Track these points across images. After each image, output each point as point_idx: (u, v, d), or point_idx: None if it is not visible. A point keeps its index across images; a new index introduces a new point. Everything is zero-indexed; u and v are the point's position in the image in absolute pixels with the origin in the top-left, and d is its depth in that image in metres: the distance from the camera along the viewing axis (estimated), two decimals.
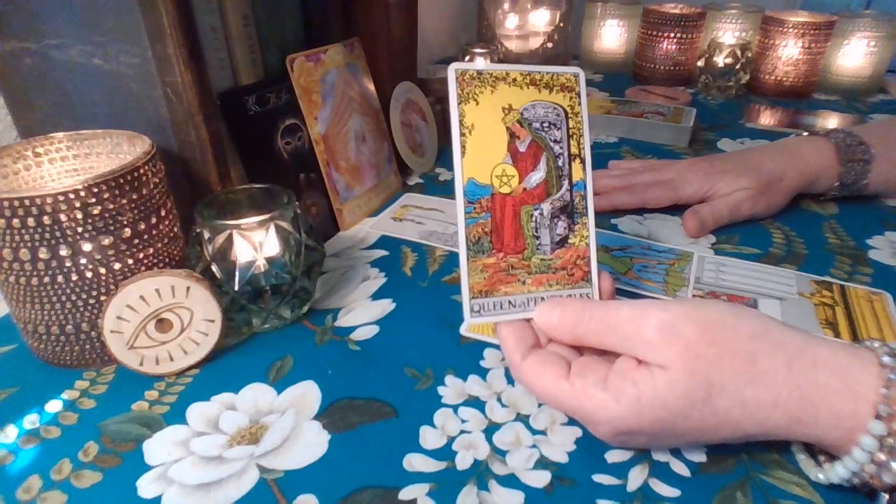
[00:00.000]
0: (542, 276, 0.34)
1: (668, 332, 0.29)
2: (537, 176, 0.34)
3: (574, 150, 0.35)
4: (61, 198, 0.32)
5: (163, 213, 0.38)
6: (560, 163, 0.35)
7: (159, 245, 0.38)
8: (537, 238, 0.34)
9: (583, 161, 0.35)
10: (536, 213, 0.34)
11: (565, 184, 0.35)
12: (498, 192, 0.33)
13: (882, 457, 0.27)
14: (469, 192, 0.33)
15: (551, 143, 0.35)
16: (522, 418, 0.35)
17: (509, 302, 0.34)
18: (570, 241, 0.35)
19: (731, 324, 0.29)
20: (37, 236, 0.33)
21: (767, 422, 0.28)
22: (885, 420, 0.26)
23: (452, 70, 0.33)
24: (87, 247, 0.34)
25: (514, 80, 0.34)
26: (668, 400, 0.28)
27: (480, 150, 0.33)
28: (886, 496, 0.28)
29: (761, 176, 0.56)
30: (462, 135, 0.33)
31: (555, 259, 0.35)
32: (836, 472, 0.29)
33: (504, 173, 0.34)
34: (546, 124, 0.35)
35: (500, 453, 0.32)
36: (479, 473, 0.31)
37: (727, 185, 0.56)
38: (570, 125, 0.35)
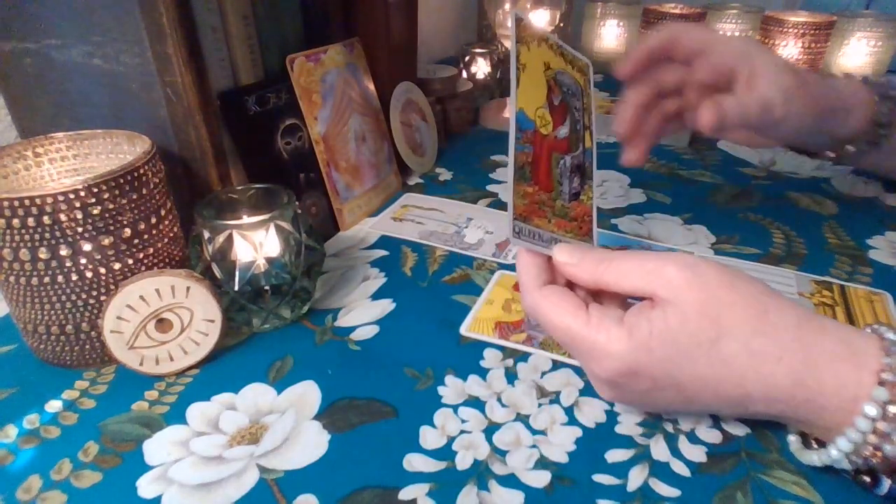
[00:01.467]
0: (562, 222, 0.37)
1: (689, 271, 0.30)
2: (564, 130, 0.38)
3: (587, 122, 0.40)
4: (61, 198, 0.32)
5: (163, 213, 0.38)
6: (578, 127, 0.39)
7: (159, 245, 0.38)
8: (560, 185, 0.38)
9: (591, 133, 0.40)
10: (562, 161, 0.38)
11: (581, 146, 0.39)
12: (539, 131, 0.37)
13: (884, 427, 0.27)
14: (520, 120, 0.36)
15: (573, 109, 0.39)
16: (522, 418, 0.35)
17: (538, 234, 0.36)
18: (580, 197, 0.39)
19: (747, 278, 0.30)
20: (37, 236, 0.33)
21: (771, 379, 0.28)
22: (889, 387, 0.27)
23: (513, 15, 0.36)
24: (87, 247, 0.34)
25: (552, 45, 0.38)
26: (678, 335, 0.29)
27: (529, 89, 0.36)
28: (889, 482, 0.28)
29: (800, 73, 0.46)
30: (518, 69, 0.35)
31: (571, 209, 0.38)
32: (838, 446, 0.28)
33: (544, 116, 0.37)
34: (570, 92, 0.39)
35: (500, 453, 0.32)
36: (479, 473, 0.31)
37: (767, 65, 0.44)
38: (584, 101, 0.40)
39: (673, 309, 0.29)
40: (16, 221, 0.32)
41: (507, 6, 1.05)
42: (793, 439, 0.32)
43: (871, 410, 0.27)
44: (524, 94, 0.36)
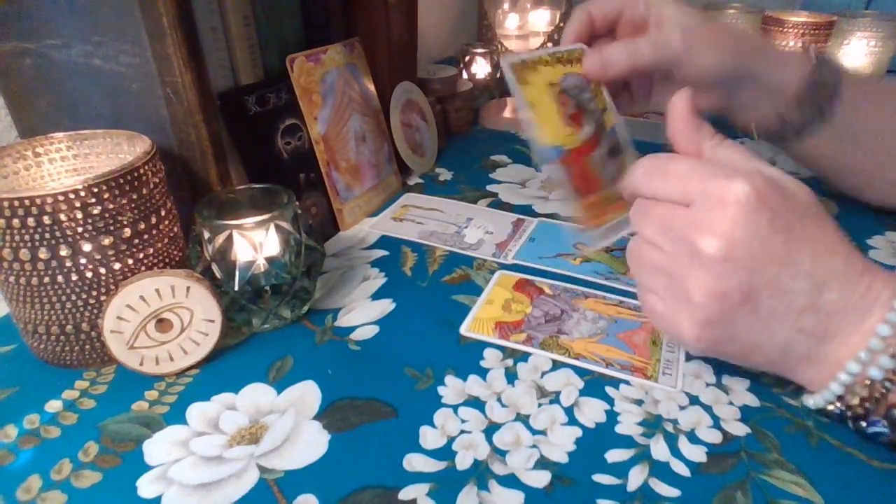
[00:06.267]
0: (620, 202, 0.41)
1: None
2: (587, 129, 0.42)
3: (601, 104, 0.43)
4: (61, 198, 0.32)
5: (163, 213, 0.38)
6: (597, 116, 0.42)
7: (159, 245, 0.38)
8: (605, 175, 0.42)
9: (611, 111, 0.43)
10: (597, 157, 0.42)
11: (605, 131, 0.43)
12: (570, 150, 0.41)
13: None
14: (552, 154, 0.40)
15: (586, 103, 0.42)
16: (522, 418, 0.35)
17: (618, 223, 0.41)
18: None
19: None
20: (37, 236, 0.33)
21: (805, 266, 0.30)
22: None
23: (507, 62, 0.39)
24: (87, 247, 0.34)
25: (547, 61, 0.41)
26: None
27: (547, 121, 0.40)
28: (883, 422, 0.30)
29: (713, 18, 0.46)
30: (531, 115, 0.40)
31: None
32: (850, 367, 0.30)
33: (568, 135, 0.41)
34: (578, 89, 0.42)
35: (500, 453, 0.32)
36: (479, 473, 0.31)
37: (668, 9, 0.44)
38: (592, 87, 0.43)
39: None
40: (16, 221, 0.32)
41: (507, 6, 1.05)
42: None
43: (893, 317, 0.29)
44: (545, 128, 0.39)
